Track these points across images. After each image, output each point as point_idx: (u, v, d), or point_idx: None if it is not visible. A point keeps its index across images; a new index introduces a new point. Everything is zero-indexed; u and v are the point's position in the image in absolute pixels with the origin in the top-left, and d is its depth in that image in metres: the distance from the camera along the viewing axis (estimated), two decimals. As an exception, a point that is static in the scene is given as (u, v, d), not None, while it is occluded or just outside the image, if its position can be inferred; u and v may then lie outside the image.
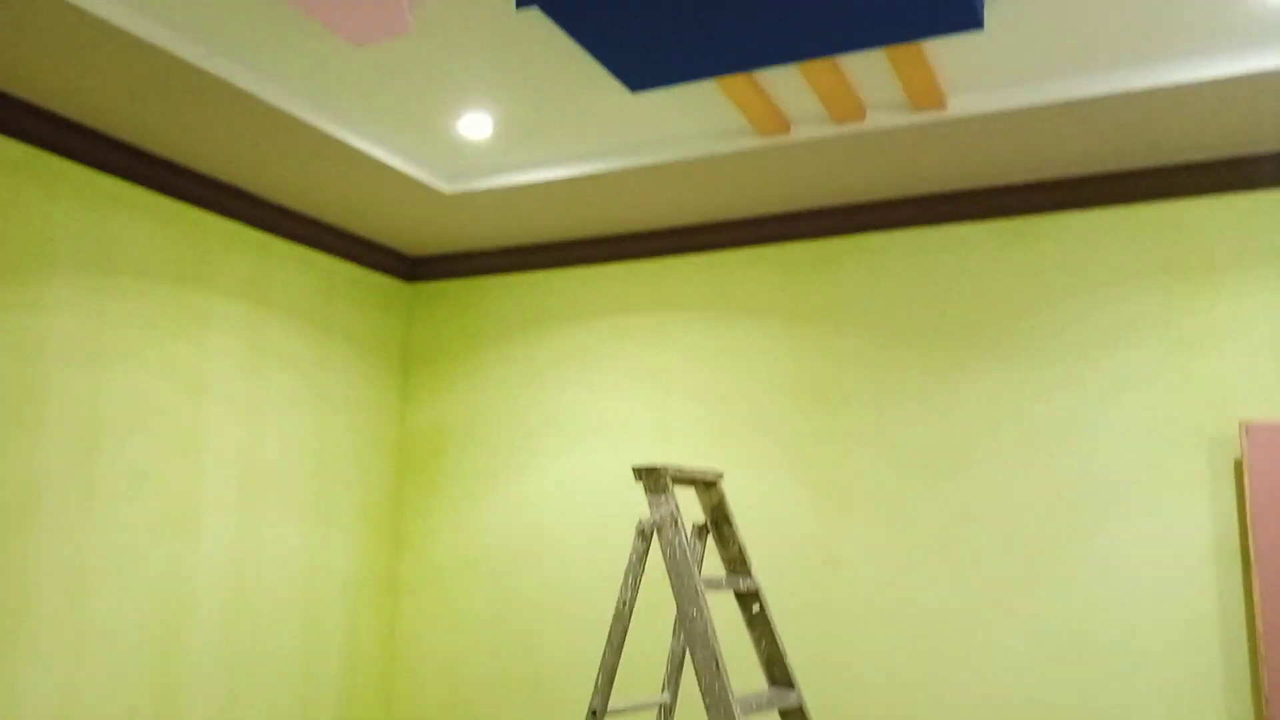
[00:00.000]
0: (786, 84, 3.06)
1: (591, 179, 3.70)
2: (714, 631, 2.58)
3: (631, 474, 4.22)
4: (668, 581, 4.07)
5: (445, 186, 3.87)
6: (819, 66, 2.87)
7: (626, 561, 4.13)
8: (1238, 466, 3.31)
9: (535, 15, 2.73)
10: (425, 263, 4.79)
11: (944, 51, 2.86)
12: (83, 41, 2.76)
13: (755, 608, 2.93)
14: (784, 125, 3.26)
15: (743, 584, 2.92)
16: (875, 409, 3.83)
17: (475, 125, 3.40)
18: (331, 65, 3.01)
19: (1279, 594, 3.05)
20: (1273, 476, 3.12)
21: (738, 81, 2.97)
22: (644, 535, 2.81)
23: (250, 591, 3.90)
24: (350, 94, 3.19)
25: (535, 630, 4.28)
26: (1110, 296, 3.55)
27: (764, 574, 3.91)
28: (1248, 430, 3.16)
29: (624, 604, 2.79)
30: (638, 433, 4.23)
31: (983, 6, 2.58)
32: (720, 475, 3.01)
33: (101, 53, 2.82)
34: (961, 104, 3.08)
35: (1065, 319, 3.60)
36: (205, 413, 3.77)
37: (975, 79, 3.00)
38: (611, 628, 2.79)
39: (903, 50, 2.75)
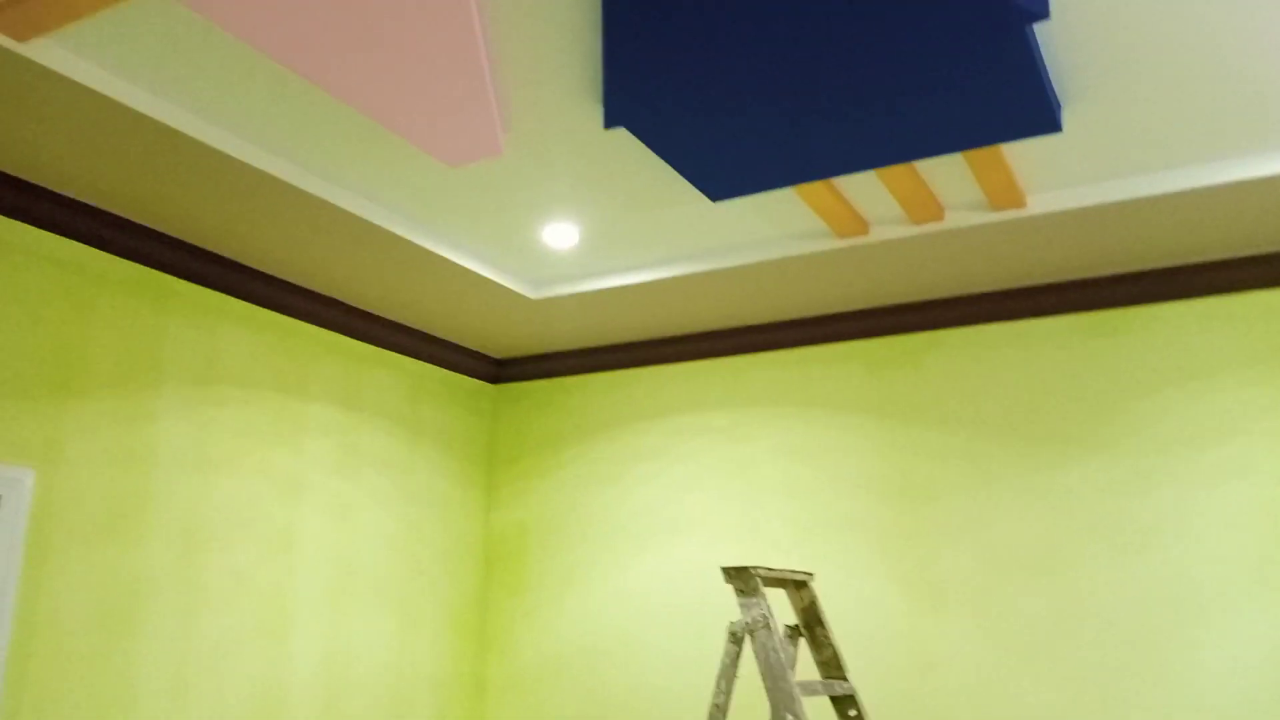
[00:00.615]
0: (864, 188, 3.12)
1: (673, 281, 3.79)
2: (812, 739, 2.54)
3: (720, 574, 4.20)
4: (760, 683, 4.00)
5: (531, 292, 3.99)
6: (896, 171, 2.93)
7: (718, 664, 4.08)
8: (1352, 561, 3.17)
9: (620, 132, 2.85)
10: (509, 364, 4.90)
11: (1022, 151, 2.89)
12: (197, 169, 2.95)
13: (852, 712, 2.88)
14: (862, 227, 3.32)
15: (839, 687, 2.88)
16: (966, 505, 3.78)
17: (561, 235, 3.52)
18: (425, 181, 3.16)
19: None
20: (1391, 572, 2.98)
21: (815, 187, 3.05)
22: (736, 638, 2.79)
23: (342, 690, 3.94)
24: (443, 208, 3.34)
25: (622, 733, 4.23)
26: (1206, 388, 3.48)
27: (856, 676, 3.82)
28: (1360, 523, 3.04)
29: (718, 708, 2.76)
30: (723, 530, 4.22)
31: (1059, 110, 2.63)
32: (811, 575, 3.00)
33: (212, 178, 3.01)
34: (1042, 202, 3.11)
35: (1160, 411, 3.53)
36: (300, 515, 3.88)
37: (1055, 177, 3.03)
38: (706, 734, 2.76)
39: (981, 152, 2.80)
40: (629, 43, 2.34)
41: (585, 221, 3.42)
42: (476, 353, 4.80)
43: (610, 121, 2.55)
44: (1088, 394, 3.66)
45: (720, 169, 2.87)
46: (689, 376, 4.47)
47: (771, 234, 3.50)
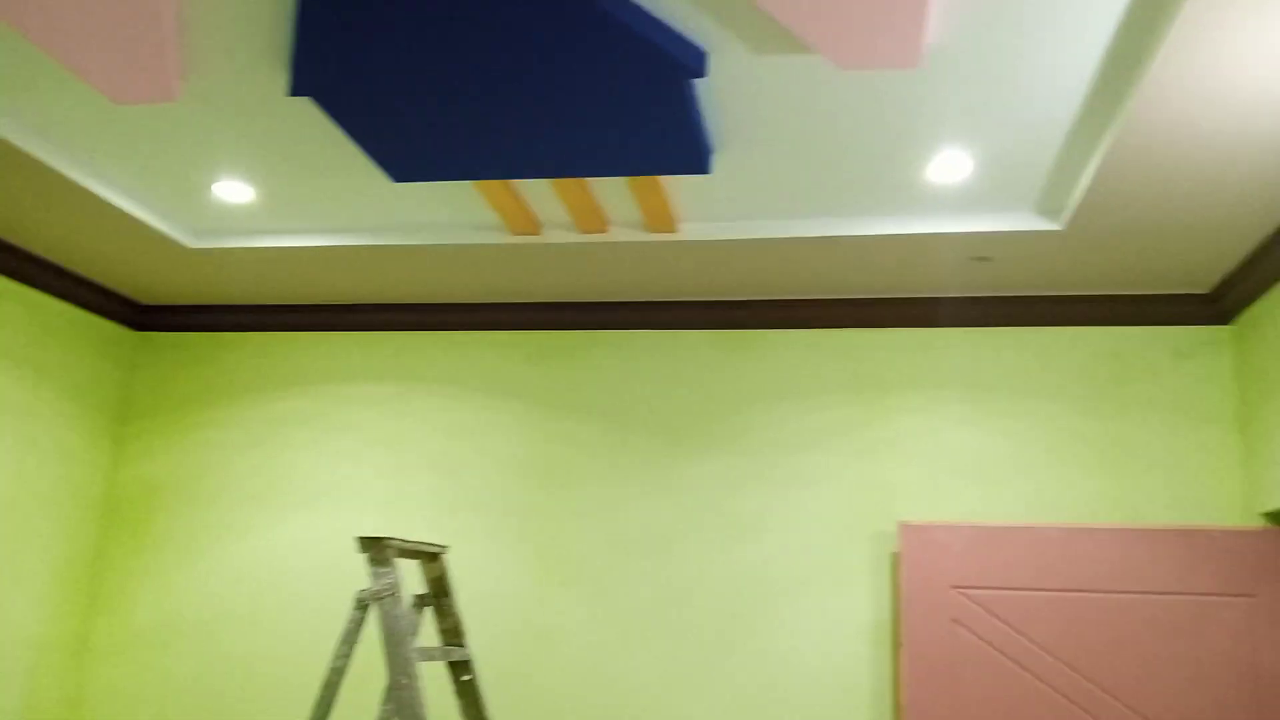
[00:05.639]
0: (539, 192, 3.34)
1: (346, 250, 3.80)
2: (422, 700, 2.71)
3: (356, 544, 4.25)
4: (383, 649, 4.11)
5: (190, 241, 3.83)
6: (569, 183, 3.17)
7: (342, 630, 4.14)
8: (894, 560, 3.85)
9: (306, 100, 2.85)
10: (157, 311, 4.64)
11: (679, 185, 3.24)
12: None
13: (465, 677, 3.09)
14: (534, 227, 3.54)
15: (456, 653, 3.07)
16: (600, 491, 4.12)
17: (233, 191, 3.43)
18: (87, 113, 2.97)
19: (921, 670, 3.57)
20: (921, 569, 3.67)
21: (493, 185, 3.22)
22: (362, 605, 2.90)
23: (-86, 651, 3.57)
24: (103, 142, 3.14)
25: (243, 698, 4.17)
26: (806, 406, 4.06)
27: (481, 644, 4.05)
28: (903, 529, 3.71)
29: (335, 671, 2.86)
30: (370, 502, 4.28)
31: (710, 155, 2.98)
32: (444, 549, 3.17)
33: None
34: (691, 230, 3.49)
35: (767, 421, 4.07)
36: (-116, 452, 3.47)
37: (705, 210, 3.41)
38: (320, 694, 2.85)
39: (642, 180, 3.11)
40: (323, 15, 2.38)
41: (260, 181, 3.36)
42: (118, 294, 4.50)
43: (296, 90, 2.57)
44: (711, 401, 4.13)
45: (404, 153, 2.96)
46: (353, 347, 4.48)
47: (447, 219, 3.63)
